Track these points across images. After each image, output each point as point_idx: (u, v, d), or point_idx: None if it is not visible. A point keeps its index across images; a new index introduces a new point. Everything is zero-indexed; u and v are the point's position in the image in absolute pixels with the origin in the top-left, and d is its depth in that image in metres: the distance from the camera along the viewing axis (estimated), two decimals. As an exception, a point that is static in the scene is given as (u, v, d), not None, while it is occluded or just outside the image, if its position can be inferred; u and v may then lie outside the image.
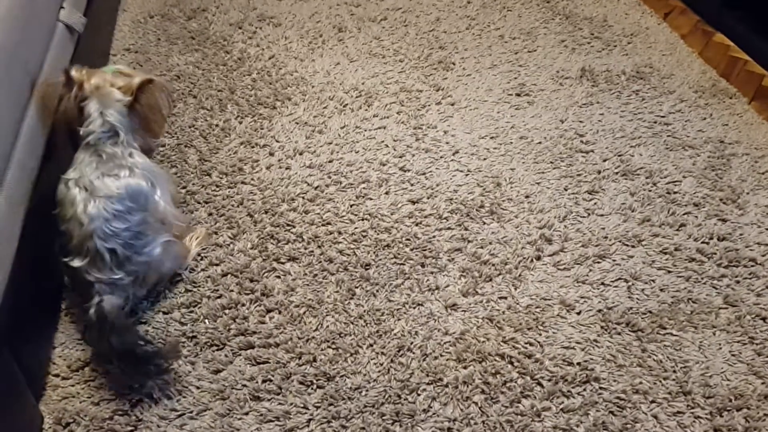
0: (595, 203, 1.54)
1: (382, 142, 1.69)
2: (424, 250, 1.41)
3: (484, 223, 1.48)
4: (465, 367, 1.20)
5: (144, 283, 1.22)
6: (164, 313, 1.27)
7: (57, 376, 1.16)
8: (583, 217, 1.50)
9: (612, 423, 1.12)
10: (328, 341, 1.23)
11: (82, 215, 1.13)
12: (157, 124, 1.37)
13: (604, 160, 1.66)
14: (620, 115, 1.81)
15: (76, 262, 1.13)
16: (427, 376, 1.18)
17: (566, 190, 1.57)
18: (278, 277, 1.35)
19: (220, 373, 1.18)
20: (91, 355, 1.19)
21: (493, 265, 1.39)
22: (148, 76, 1.32)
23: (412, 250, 1.41)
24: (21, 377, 1.03)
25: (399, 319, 1.28)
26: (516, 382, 1.18)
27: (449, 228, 1.47)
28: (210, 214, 1.47)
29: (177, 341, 1.20)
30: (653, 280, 1.36)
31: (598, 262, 1.40)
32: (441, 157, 1.65)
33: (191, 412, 1.12)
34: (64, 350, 1.20)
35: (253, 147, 1.66)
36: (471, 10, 2.23)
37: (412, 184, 1.57)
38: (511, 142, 1.71)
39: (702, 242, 1.44)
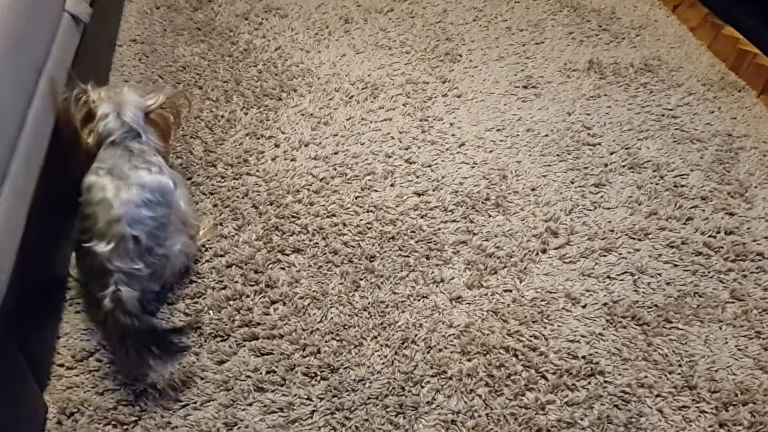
0: (601, 196, 1.53)
1: (388, 134, 1.69)
2: (429, 243, 1.41)
3: (490, 216, 1.47)
4: (469, 360, 1.19)
5: (159, 278, 1.23)
6: (169, 303, 1.27)
7: (61, 366, 1.16)
8: (590, 210, 1.49)
9: (617, 417, 1.12)
10: (332, 333, 1.23)
11: (114, 199, 1.14)
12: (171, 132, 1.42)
13: (611, 153, 1.65)
14: (628, 108, 1.80)
15: (100, 247, 1.12)
16: (431, 368, 1.18)
17: (573, 183, 1.56)
18: (283, 268, 1.34)
19: (224, 364, 1.18)
20: (98, 345, 1.19)
21: (499, 258, 1.38)
22: (175, 92, 1.38)
23: (417, 242, 1.41)
24: (25, 367, 1.03)
25: (403, 312, 1.27)
26: (520, 375, 1.17)
27: (454, 220, 1.46)
28: (215, 206, 1.47)
29: (195, 320, 1.22)
30: (659, 274, 1.36)
31: (604, 256, 1.39)
32: (447, 150, 1.65)
33: (195, 402, 1.12)
34: (69, 340, 1.20)
35: (258, 138, 1.65)
36: (478, 1, 2.21)
37: (417, 177, 1.57)
38: (518, 135, 1.70)
39: (709, 236, 1.43)
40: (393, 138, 1.67)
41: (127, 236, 1.13)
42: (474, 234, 1.43)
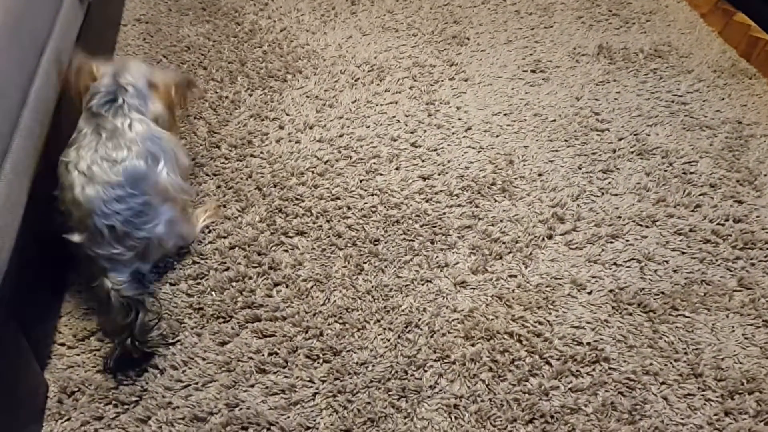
0: (609, 182, 1.51)
1: (394, 117, 1.67)
2: (434, 227, 1.39)
3: (496, 201, 1.46)
4: (473, 345, 1.19)
5: (146, 258, 1.21)
6: (171, 284, 1.26)
7: (63, 345, 1.16)
8: (597, 196, 1.48)
9: (621, 404, 1.11)
10: (335, 316, 1.22)
11: (80, 195, 1.11)
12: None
13: (620, 139, 1.63)
14: (637, 94, 1.78)
15: (76, 238, 1.12)
16: (435, 352, 1.17)
17: (580, 168, 1.55)
18: (286, 251, 1.33)
19: (227, 345, 1.17)
20: (98, 326, 1.19)
21: (504, 243, 1.37)
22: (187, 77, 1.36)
23: (421, 226, 1.39)
24: (27, 346, 1.03)
25: (407, 296, 1.26)
26: (524, 360, 1.16)
27: (460, 205, 1.45)
28: (218, 187, 1.46)
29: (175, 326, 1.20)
30: (666, 261, 1.34)
31: (611, 242, 1.38)
32: (453, 134, 1.63)
33: (197, 383, 1.11)
34: (70, 319, 1.19)
35: (263, 120, 1.64)
36: (487, -16, 2.19)
37: (423, 160, 1.55)
38: (525, 119, 1.68)
39: (717, 224, 1.42)
40: (399, 121, 1.66)
41: (100, 226, 1.11)
42: (479, 219, 1.42)
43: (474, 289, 1.28)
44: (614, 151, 1.59)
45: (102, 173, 1.13)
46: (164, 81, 1.32)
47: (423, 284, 1.28)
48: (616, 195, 1.48)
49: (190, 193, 1.33)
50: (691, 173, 1.54)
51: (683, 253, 1.36)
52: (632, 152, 1.59)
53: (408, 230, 1.38)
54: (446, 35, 1.96)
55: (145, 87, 1.27)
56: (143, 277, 1.23)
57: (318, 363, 1.15)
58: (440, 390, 1.12)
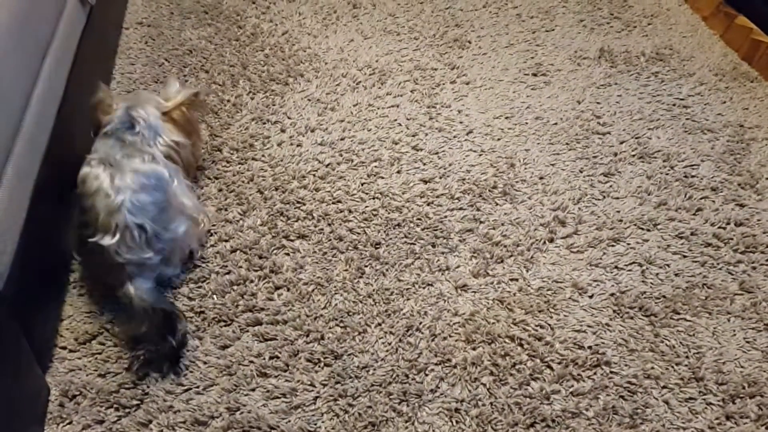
0: (610, 186, 1.51)
1: (395, 120, 1.67)
2: (435, 230, 1.39)
3: (497, 204, 1.46)
4: (474, 349, 1.19)
5: (171, 262, 1.22)
6: (172, 288, 1.26)
7: (64, 348, 1.16)
8: (598, 199, 1.48)
9: (622, 407, 1.11)
10: (336, 319, 1.22)
11: (109, 188, 1.11)
12: (197, 137, 1.41)
13: (621, 143, 1.63)
14: (638, 97, 1.78)
15: (106, 240, 1.10)
16: (436, 356, 1.17)
17: (581, 172, 1.55)
18: (287, 254, 1.33)
19: (228, 348, 1.17)
20: (101, 328, 1.19)
21: (505, 246, 1.37)
22: (193, 90, 1.35)
23: (423, 229, 1.39)
24: (28, 349, 1.03)
25: (408, 299, 1.26)
26: (525, 364, 1.16)
27: (461, 208, 1.45)
28: (220, 190, 1.46)
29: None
30: (668, 265, 1.34)
31: (612, 246, 1.38)
32: (454, 137, 1.63)
33: (198, 387, 1.11)
34: (72, 323, 1.19)
35: (264, 123, 1.64)
36: (488, -12, 2.19)
37: (424, 164, 1.55)
38: (527, 123, 1.68)
39: (719, 227, 1.42)
40: (400, 124, 1.66)
41: (132, 225, 1.11)
42: (481, 222, 1.42)
43: (475, 292, 1.28)
44: (615, 154, 1.59)
45: (129, 163, 1.16)
46: (176, 105, 1.33)
47: (424, 288, 1.29)
48: (617, 198, 1.48)
49: (201, 211, 1.34)
50: (693, 176, 1.54)
51: (684, 256, 1.36)
52: (633, 155, 1.59)
53: (409, 233, 1.38)
54: (448, 38, 1.96)
55: (157, 121, 1.28)
56: (168, 281, 1.24)
57: (319, 367, 1.15)
58: (441, 394, 1.12)
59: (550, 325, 1.23)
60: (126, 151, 1.18)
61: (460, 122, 1.67)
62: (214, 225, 1.37)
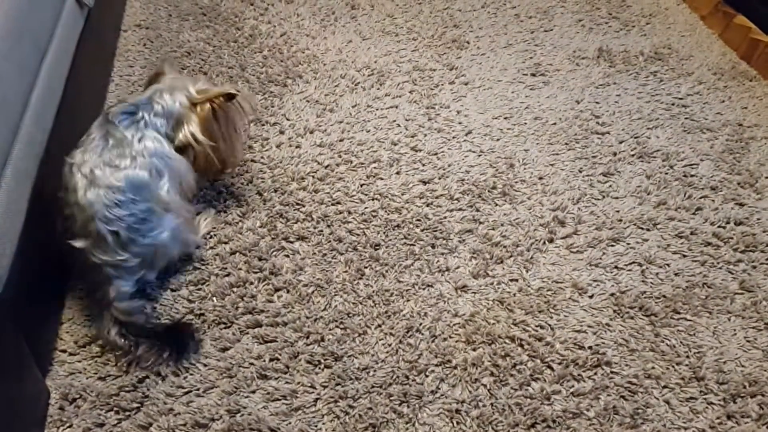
0: (610, 186, 1.51)
1: (394, 121, 1.67)
2: (435, 231, 1.39)
3: (496, 205, 1.46)
4: (474, 349, 1.18)
5: (152, 266, 1.21)
6: (172, 290, 1.26)
7: (64, 351, 1.15)
8: (598, 199, 1.48)
9: (623, 407, 1.10)
10: (336, 321, 1.22)
11: (83, 199, 1.11)
12: (227, 144, 1.33)
13: (620, 142, 1.63)
14: (637, 97, 1.78)
15: (80, 243, 1.11)
16: (436, 357, 1.17)
17: (581, 171, 1.55)
18: (287, 256, 1.33)
19: (227, 351, 1.17)
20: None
21: (505, 247, 1.37)
22: (232, 90, 1.28)
23: (422, 230, 1.39)
24: (28, 352, 1.02)
25: (408, 300, 1.26)
26: (526, 365, 1.16)
27: (460, 209, 1.45)
28: (219, 192, 1.46)
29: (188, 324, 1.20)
30: (668, 264, 1.34)
31: (612, 246, 1.38)
32: (453, 138, 1.63)
33: (198, 389, 1.11)
34: (72, 326, 1.19)
35: (263, 125, 1.64)
36: (486, -12, 2.19)
37: (423, 165, 1.55)
38: (525, 123, 1.68)
39: (718, 226, 1.42)
40: (399, 125, 1.66)
41: (104, 231, 1.10)
42: (480, 223, 1.42)
43: (475, 293, 1.28)
44: (615, 154, 1.59)
45: (104, 177, 1.12)
46: (205, 99, 1.27)
47: (424, 289, 1.28)
48: (616, 198, 1.48)
49: (189, 212, 1.31)
50: (692, 176, 1.54)
51: (684, 256, 1.36)
52: (633, 155, 1.59)
53: (409, 235, 1.38)
54: (446, 39, 1.96)
55: (182, 109, 1.25)
56: (147, 285, 1.23)
57: (319, 368, 1.15)
58: (442, 395, 1.12)
59: (550, 325, 1.23)
60: (105, 157, 1.14)
61: (459, 123, 1.67)
62: (214, 227, 1.37)
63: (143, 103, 1.23)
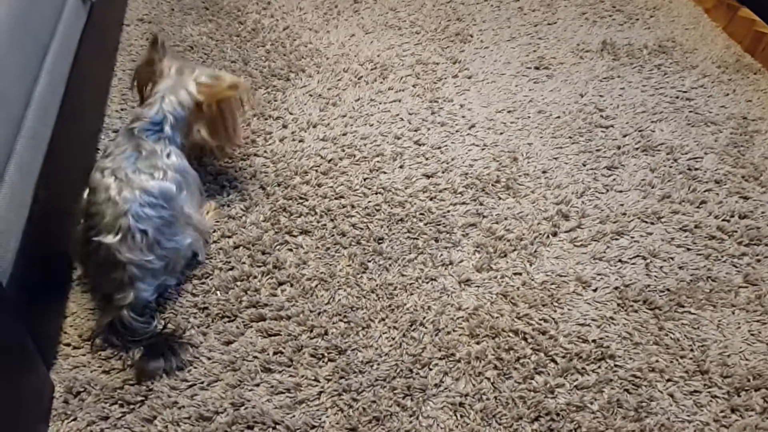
0: (614, 179, 1.51)
1: (397, 115, 1.67)
2: (438, 225, 1.39)
3: (500, 199, 1.46)
4: (478, 343, 1.18)
5: (173, 271, 1.22)
6: (176, 284, 1.26)
7: (68, 345, 1.16)
8: (602, 193, 1.47)
9: (627, 401, 1.10)
10: (339, 315, 1.22)
11: (117, 196, 1.12)
12: (227, 130, 1.38)
13: (624, 136, 1.62)
14: (641, 90, 1.77)
15: (108, 239, 1.11)
16: (440, 350, 1.17)
17: (585, 165, 1.54)
18: (290, 250, 1.33)
19: (232, 344, 1.17)
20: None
21: (508, 240, 1.36)
22: (235, 81, 1.32)
23: (425, 224, 1.39)
24: (32, 346, 1.03)
25: (412, 294, 1.26)
26: (529, 358, 1.16)
27: (464, 203, 1.44)
28: (222, 187, 1.46)
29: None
30: (672, 258, 1.34)
31: (616, 239, 1.37)
32: (457, 131, 1.63)
33: (202, 382, 1.11)
34: (76, 320, 1.19)
35: (266, 119, 1.64)
36: (490, -19, 2.18)
37: (426, 158, 1.55)
38: (529, 117, 1.68)
39: (723, 220, 1.41)
40: (402, 119, 1.66)
41: (134, 228, 1.12)
42: (484, 216, 1.41)
43: (479, 287, 1.28)
44: (619, 147, 1.59)
45: (139, 181, 1.15)
46: (210, 97, 1.30)
47: (427, 282, 1.28)
48: (620, 192, 1.48)
49: (205, 226, 1.33)
50: (696, 169, 1.53)
51: (688, 249, 1.36)
52: (637, 149, 1.59)
53: (412, 228, 1.38)
54: (449, 32, 1.96)
55: (189, 109, 1.28)
56: (166, 290, 1.24)
57: (323, 362, 1.15)
58: (445, 388, 1.12)
59: (554, 318, 1.22)
60: (139, 165, 1.18)
61: (463, 116, 1.67)
62: (216, 221, 1.37)
63: (160, 119, 1.25)
